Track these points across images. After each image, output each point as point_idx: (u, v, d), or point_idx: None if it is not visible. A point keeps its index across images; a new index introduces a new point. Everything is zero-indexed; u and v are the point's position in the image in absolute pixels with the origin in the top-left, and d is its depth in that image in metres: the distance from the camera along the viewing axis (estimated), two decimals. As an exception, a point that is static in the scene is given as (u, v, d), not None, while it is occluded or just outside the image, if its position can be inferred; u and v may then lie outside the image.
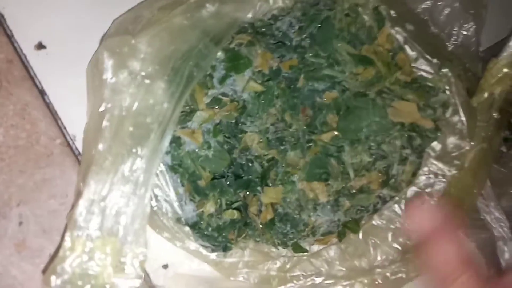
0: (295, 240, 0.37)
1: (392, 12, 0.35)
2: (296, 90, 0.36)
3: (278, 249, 0.37)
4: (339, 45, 0.35)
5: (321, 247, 0.38)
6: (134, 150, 0.25)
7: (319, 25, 0.36)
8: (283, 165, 0.36)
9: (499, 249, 0.39)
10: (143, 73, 0.27)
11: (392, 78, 0.34)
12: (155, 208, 0.33)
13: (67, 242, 0.24)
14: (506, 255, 0.39)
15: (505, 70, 0.36)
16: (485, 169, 0.35)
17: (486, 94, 0.36)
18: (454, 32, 0.42)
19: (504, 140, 0.46)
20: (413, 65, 0.35)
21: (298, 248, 0.37)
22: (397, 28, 0.35)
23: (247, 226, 0.36)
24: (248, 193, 0.36)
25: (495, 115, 0.36)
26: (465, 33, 0.41)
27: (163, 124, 0.26)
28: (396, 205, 0.34)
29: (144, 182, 0.26)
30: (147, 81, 0.26)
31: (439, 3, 0.41)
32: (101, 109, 0.26)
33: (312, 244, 0.39)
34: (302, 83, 0.36)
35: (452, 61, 0.38)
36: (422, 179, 0.34)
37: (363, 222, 0.36)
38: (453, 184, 0.34)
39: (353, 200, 0.36)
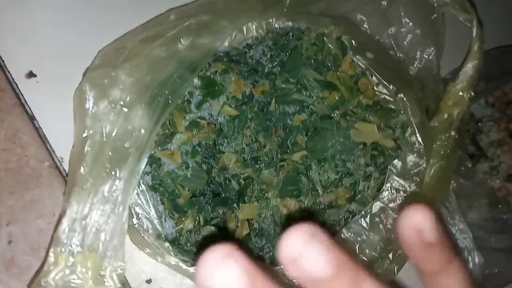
0: (272, 253, 0.39)
1: (353, 41, 0.38)
2: (269, 113, 0.39)
3: (255, 262, 0.39)
4: (306, 71, 0.38)
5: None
6: (113, 173, 0.28)
7: (289, 53, 0.39)
8: (259, 183, 0.39)
9: (463, 259, 0.41)
10: (121, 102, 0.29)
11: (355, 101, 0.37)
12: (136, 225, 0.35)
13: (51, 258, 0.27)
14: (470, 265, 0.41)
15: (461, 93, 0.39)
16: (445, 184, 0.38)
17: (445, 115, 0.39)
18: (417, 56, 0.45)
19: (469, 156, 0.49)
20: (376, 88, 0.38)
21: (275, 262, 0.39)
22: (358, 56, 0.38)
23: (226, 241, 0.38)
24: (226, 210, 0.39)
25: (453, 134, 0.39)
26: (426, 57, 0.45)
27: (140, 148, 0.29)
28: (362, 219, 0.37)
29: (122, 201, 0.28)
30: (125, 109, 0.29)
31: (402, 30, 0.45)
32: (84, 135, 0.28)
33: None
34: (274, 107, 0.39)
35: (413, 84, 0.41)
36: (385, 194, 0.37)
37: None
38: (414, 199, 0.36)
39: (324, 215, 0.38)
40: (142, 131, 0.29)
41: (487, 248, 0.46)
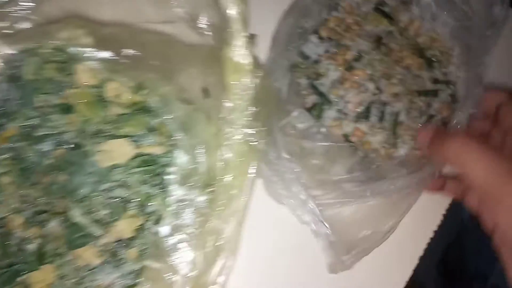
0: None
1: (88, 43, 0.31)
2: (24, 160, 0.32)
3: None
4: (42, 97, 0.31)
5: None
6: None
7: (23, 83, 0.32)
8: (50, 241, 0.33)
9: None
10: None
11: (102, 117, 0.31)
12: None
13: None
14: (320, 236, 0.36)
15: (234, 57, 0.33)
16: (244, 168, 0.31)
17: (227, 89, 0.33)
18: (201, 24, 0.38)
19: (309, 109, 0.43)
20: (127, 90, 0.32)
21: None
22: (97, 61, 0.31)
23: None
24: (26, 279, 0.33)
25: (241, 105, 0.33)
26: (210, 23, 0.38)
27: None
28: (164, 244, 0.31)
29: None
30: None
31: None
32: None
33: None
34: (27, 150, 0.32)
35: (196, 62, 0.35)
36: (175, 209, 0.31)
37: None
38: (216, 196, 0.30)
39: (133, 249, 0.33)
40: None
41: (362, 200, 0.41)
